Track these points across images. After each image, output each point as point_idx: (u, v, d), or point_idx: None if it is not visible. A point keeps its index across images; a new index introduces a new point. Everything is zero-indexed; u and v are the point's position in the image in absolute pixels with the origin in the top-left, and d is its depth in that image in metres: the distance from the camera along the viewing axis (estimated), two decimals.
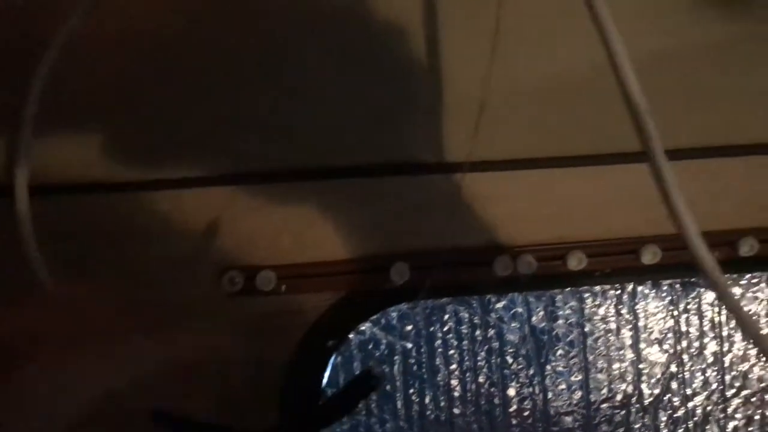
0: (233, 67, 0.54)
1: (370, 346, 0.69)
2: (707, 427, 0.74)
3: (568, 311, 0.70)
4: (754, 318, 0.70)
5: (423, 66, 0.52)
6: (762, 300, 0.72)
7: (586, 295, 0.70)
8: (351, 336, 0.68)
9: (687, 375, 0.73)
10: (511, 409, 0.71)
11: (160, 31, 0.49)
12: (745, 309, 0.73)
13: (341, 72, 0.55)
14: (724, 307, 0.63)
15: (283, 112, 0.55)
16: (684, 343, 0.72)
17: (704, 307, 0.72)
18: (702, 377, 0.74)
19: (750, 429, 0.75)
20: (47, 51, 0.46)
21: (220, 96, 0.55)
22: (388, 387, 0.70)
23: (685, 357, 0.73)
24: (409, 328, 0.69)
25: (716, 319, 0.72)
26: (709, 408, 0.74)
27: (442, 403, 0.70)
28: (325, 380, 0.66)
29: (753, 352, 0.72)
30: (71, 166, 0.55)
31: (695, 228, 0.36)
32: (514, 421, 0.72)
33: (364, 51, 0.54)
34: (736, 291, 0.71)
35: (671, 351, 0.73)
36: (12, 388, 0.48)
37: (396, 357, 0.70)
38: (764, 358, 0.50)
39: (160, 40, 0.50)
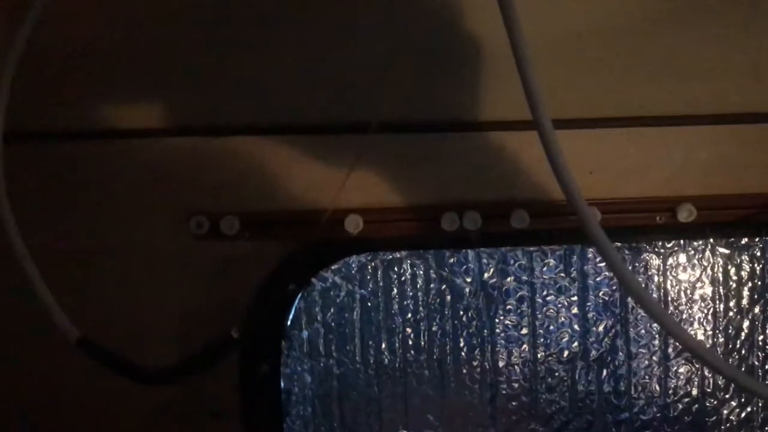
0: (209, 26, 0.57)
1: (332, 293, 0.73)
2: (648, 384, 0.78)
3: (517, 269, 0.73)
4: (637, 278, 0.72)
5: (384, 29, 0.55)
6: (706, 267, 0.74)
7: (536, 254, 0.73)
8: (314, 282, 0.72)
9: (631, 334, 0.77)
10: (460, 358, 0.76)
11: None
12: (693, 275, 0.76)
13: (309, 34, 0.58)
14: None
15: (252, 71, 0.58)
16: (629, 304, 0.75)
17: (651, 271, 0.75)
18: (645, 337, 0.77)
19: (688, 389, 0.78)
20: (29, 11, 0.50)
21: (194, 52, 0.58)
22: (346, 331, 0.74)
23: (630, 317, 0.76)
24: (368, 277, 0.73)
25: (661, 282, 0.75)
26: (651, 367, 0.78)
27: (397, 350, 0.75)
28: (288, 321, 0.70)
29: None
30: (44, 114, 0.59)
31: (577, 188, 0.39)
32: (463, 370, 0.76)
33: (329, 14, 0.57)
34: (681, 258, 0.74)
35: (616, 311, 0.76)
36: None
37: (355, 304, 0.74)
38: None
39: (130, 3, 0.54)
